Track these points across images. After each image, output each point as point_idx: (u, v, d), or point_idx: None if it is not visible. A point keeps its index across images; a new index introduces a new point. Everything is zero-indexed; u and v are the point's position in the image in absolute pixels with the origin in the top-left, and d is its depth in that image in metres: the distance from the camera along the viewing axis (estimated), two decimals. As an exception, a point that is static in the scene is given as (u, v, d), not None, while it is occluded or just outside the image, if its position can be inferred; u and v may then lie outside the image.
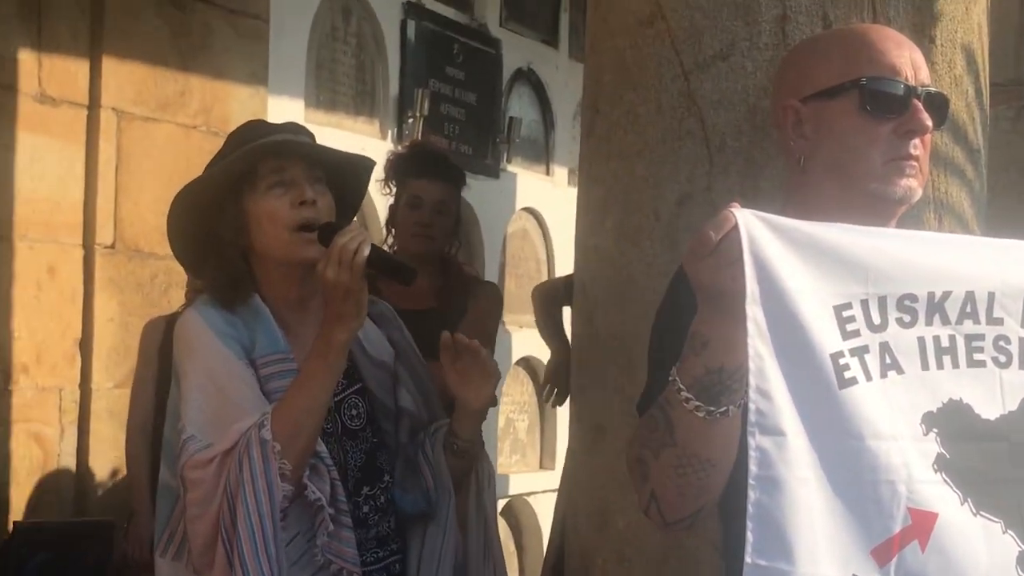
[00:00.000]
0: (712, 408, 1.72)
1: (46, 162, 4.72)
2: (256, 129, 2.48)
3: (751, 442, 1.61)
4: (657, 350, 1.98)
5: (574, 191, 7.71)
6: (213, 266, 2.42)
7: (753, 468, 1.61)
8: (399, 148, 4.38)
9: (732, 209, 1.63)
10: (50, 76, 4.73)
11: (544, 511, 7.19)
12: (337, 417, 2.41)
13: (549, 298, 5.29)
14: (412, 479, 2.55)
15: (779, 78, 2.07)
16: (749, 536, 1.60)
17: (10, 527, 4.48)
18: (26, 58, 4.65)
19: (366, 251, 2.22)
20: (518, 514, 7.35)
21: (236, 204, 2.39)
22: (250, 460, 2.17)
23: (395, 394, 2.56)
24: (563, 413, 7.40)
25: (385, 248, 4.25)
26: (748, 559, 1.60)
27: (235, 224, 2.39)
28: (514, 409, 7.35)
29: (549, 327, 5.33)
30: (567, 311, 5.12)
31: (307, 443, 2.24)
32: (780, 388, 1.63)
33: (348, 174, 2.54)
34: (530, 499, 7.33)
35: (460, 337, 2.56)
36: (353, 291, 2.22)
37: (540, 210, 7.52)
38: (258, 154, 2.38)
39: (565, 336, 4.86)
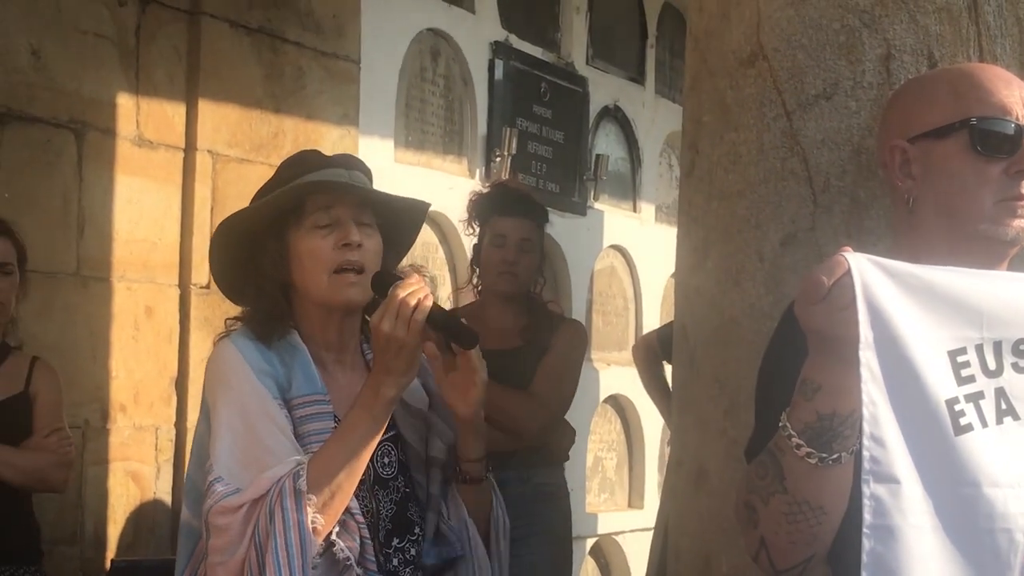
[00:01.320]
0: (824, 455, 1.70)
1: (143, 204, 4.78)
2: (307, 161, 2.41)
3: (865, 490, 1.59)
4: (765, 394, 1.96)
5: (661, 228, 7.74)
6: (252, 297, 2.36)
7: (867, 517, 1.59)
8: (482, 188, 4.40)
9: (844, 253, 1.62)
10: (147, 119, 4.80)
11: (633, 550, 7.14)
12: (371, 465, 2.29)
13: (648, 357, 5.35)
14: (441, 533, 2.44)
15: (885, 118, 2.05)
16: (864, 586, 1.58)
17: (107, 564, 4.53)
18: (124, 102, 4.73)
19: (427, 307, 2.13)
20: (607, 554, 7.29)
21: (279, 239, 2.33)
22: (283, 511, 2.07)
23: (427, 443, 2.45)
24: (651, 452, 7.41)
25: (472, 285, 4.27)
26: (863, 609, 1.58)
27: (276, 259, 2.33)
28: (602, 447, 7.31)
29: (654, 385, 5.37)
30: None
31: (343, 499, 2.15)
32: (895, 435, 1.61)
33: (402, 214, 2.46)
34: (619, 538, 7.27)
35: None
36: (407, 347, 2.13)
37: (627, 247, 7.49)
38: (305, 190, 2.32)
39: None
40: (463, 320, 2.25)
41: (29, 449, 3.69)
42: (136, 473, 4.75)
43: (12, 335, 3.87)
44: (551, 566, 4.09)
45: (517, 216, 4.11)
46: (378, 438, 2.19)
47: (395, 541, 2.33)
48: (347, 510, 2.18)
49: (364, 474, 2.25)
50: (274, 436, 2.19)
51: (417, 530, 2.39)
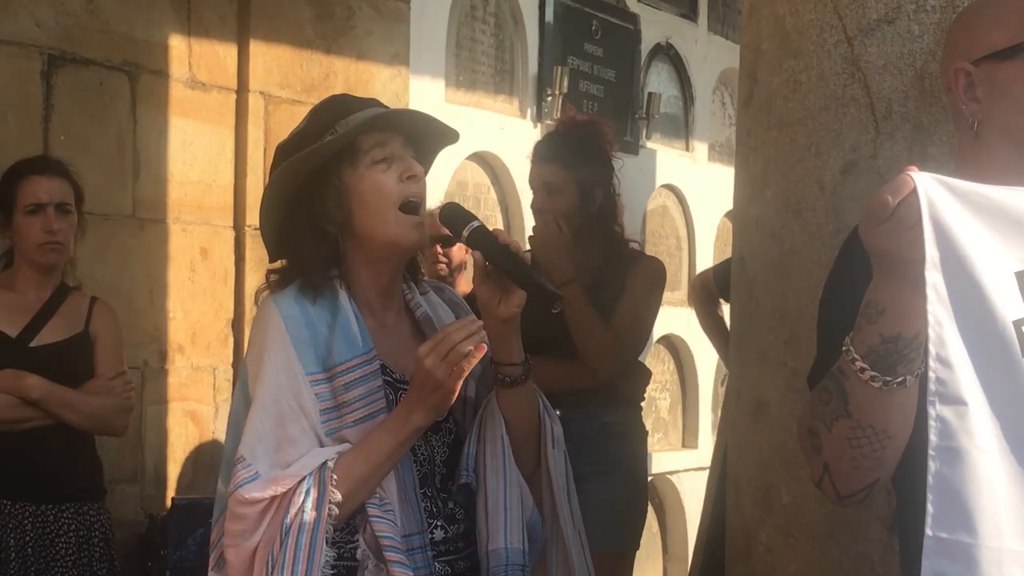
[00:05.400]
0: (888, 378, 1.68)
1: (197, 146, 4.81)
2: (347, 104, 2.38)
3: (931, 412, 1.58)
4: (828, 320, 1.94)
5: (714, 167, 7.68)
6: (310, 243, 2.31)
7: (933, 439, 1.58)
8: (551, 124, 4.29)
9: (910, 172, 1.59)
10: (200, 61, 4.82)
11: (687, 490, 7.15)
12: None
13: (705, 295, 5.28)
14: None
15: (949, 40, 2.01)
16: (930, 508, 1.57)
17: (168, 502, 4.59)
18: (177, 44, 4.74)
19: (472, 365, 2.13)
20: (661, 493, 7.30)
21: (337, 178, 2.30)
22: (302, 514, 2.12)
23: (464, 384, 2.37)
24: (705, 392, 7.40)
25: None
26: (929, 531, 1.57)
27: (337, 199, 2.29)
28: (656, 388, 7.30)
29: (710, 324, 5.32)
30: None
31: (356, 508, 2.19)
32: (961, 356, 1.59)
33: (425, 146, 2.42)
34: (673, 478, 7.28)
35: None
36: (444, 389, 2.14)
37: (680, 187, 7.44)
38: (359, 128, 2.29)
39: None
40: (545, 283, 2.19)
41: (93, 393, 3.73)
42: (195, 413, 4.81)
43: (71, 275, 3.90)
44: (623, 504, 4.03)
45: (551, 163, 4.01)
46: (400, 459, 2.21)
47: (452, 485, 2.34)
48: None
49: None
50: (299, 424, 2.19)
51: None
